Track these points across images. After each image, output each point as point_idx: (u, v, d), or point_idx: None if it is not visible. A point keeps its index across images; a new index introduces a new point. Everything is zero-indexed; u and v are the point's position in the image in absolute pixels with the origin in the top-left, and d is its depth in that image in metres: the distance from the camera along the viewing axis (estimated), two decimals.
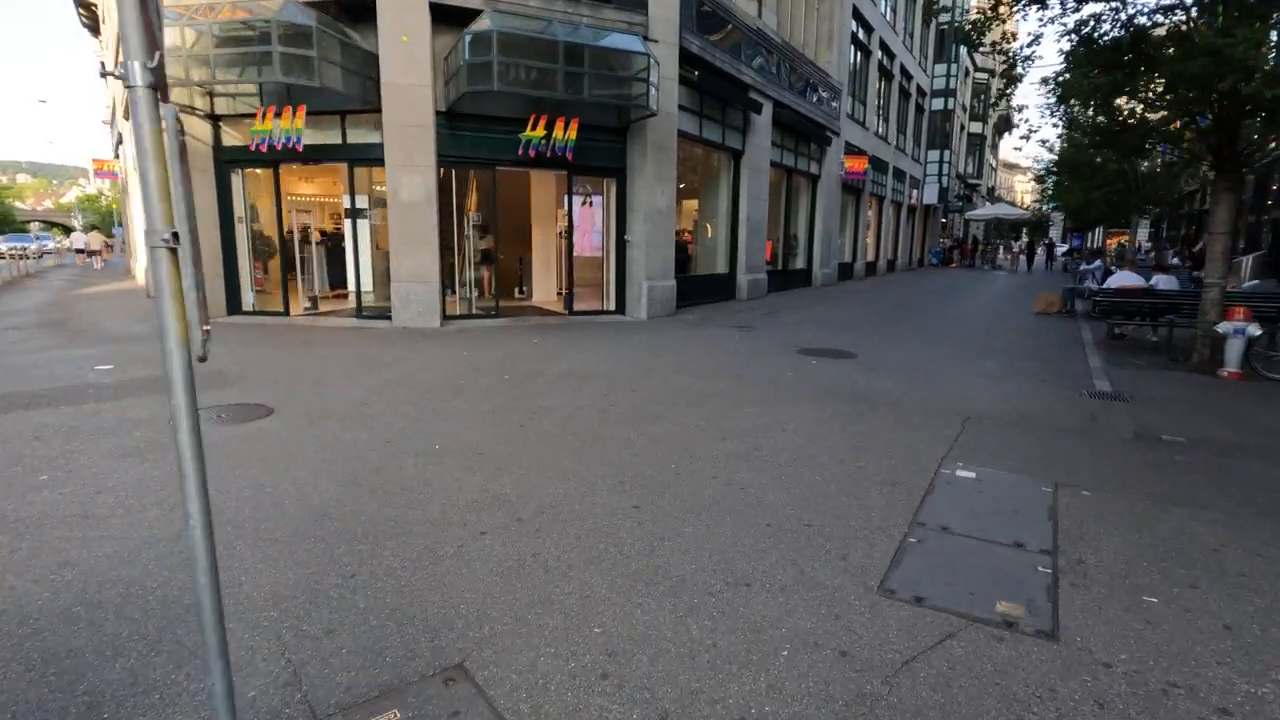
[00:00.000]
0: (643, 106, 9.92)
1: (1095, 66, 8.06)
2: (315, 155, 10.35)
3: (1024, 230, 59.55)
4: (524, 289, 14.79)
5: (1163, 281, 10.30)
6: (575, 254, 12.07)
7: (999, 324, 12.14)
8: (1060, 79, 8.97)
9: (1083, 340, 10.52)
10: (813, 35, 17.34)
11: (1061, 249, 45.40)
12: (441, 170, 10.27)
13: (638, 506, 3.54)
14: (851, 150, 20.26)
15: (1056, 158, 30.22)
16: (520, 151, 10.05)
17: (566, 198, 11.27)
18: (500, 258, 14.40)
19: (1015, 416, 5.62)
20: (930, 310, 14.00)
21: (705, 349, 8.60)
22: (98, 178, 29.55)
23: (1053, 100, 9.94)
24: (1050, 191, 35.44)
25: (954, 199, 37.46)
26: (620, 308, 11.71)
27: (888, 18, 23.21)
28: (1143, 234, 55.72)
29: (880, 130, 24.29)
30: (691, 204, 14.81)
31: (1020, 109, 10.96)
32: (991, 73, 47.41)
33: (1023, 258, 36.71)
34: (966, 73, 41.88)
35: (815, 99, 17.33)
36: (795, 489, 3.81)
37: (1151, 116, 8.97)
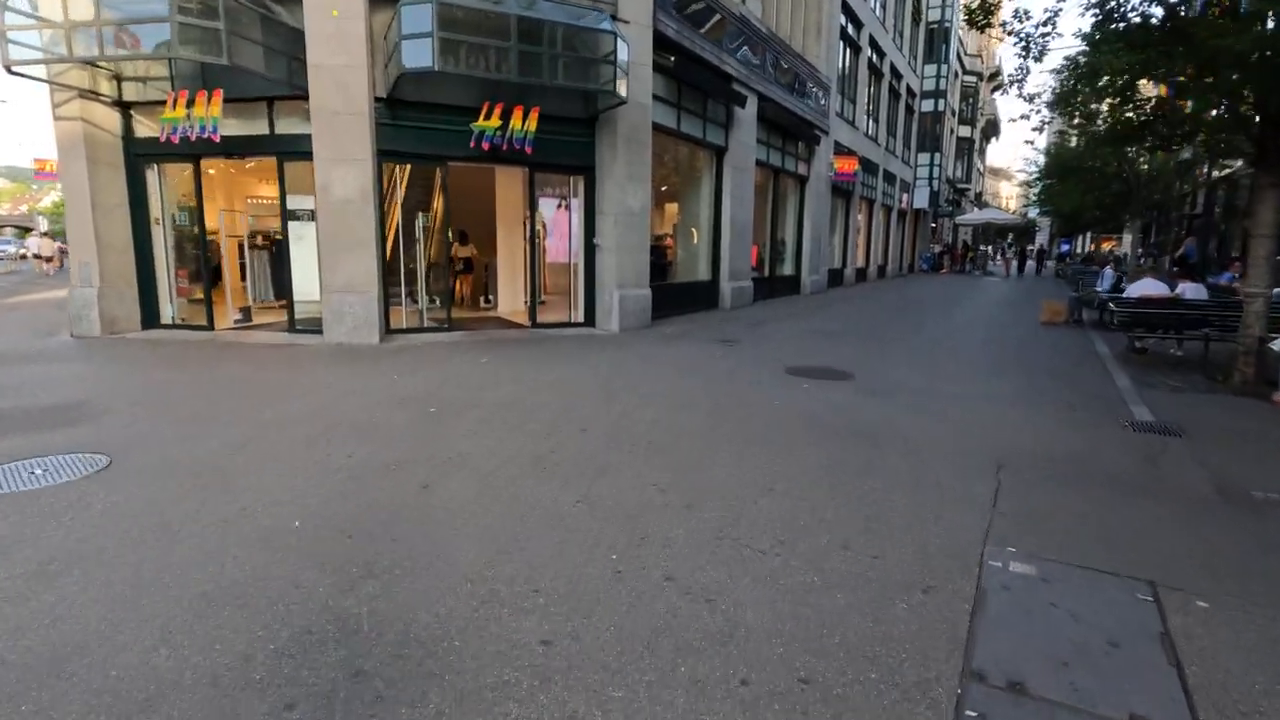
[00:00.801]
0: (610, 93, 8.77)
1: (1123, 45, 7.01)
2: (240, 148, 9.10)
3: (1010, 235, 59.14)
4: (490, 298, 13.61)
5: (1190, 290, 9.28)
6: (550, 260, 10.92)
7: (1005, 335, 11.08)
8: (1078, 63, 7.92)
9: (1099, 354, 9.47)
10: (800, 27, 16.31)
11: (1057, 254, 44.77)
12: (387, 165, 9.08)
13: (549, 642, 2.35)
14: (841, 150, 19.25)
15: (1046, 159, 29.51)
16: (472, 144, 8.86)
17: (529, 197, 10.09)
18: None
19: (1056, 461, 4.50)
20: (929, 320, 12.94)
21: (680, 369, 7.43)
22: (37, 179, 27.97)
23: (1068, 86, 8.88)
24: (1039, 195, 34.74)
25: (944, 203, 36.67)
26: (590, 319, 10.53)
27: (877, 13, 22.29)
28: (1127, 240, 55.31)
29: (870, 131, 23.33)
30: (672, 206, 13.68)
31: (1031, 98, 9.94)
32: (980, 76, 46.92)
33: (1014, 263, 36.08)
34: (955, 75, 41.23)
35: (803, 95, 16.29)
36: (784, 604, 2.63)
37: (1183, 104, 7.93)
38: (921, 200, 31.00)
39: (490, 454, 4.36)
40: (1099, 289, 12.95)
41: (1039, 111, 10.43)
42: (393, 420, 5.11)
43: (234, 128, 8.93)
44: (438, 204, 10.27)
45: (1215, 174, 20.82)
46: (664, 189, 14.69)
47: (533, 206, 10.11)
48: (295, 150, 8.80)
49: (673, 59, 10.35)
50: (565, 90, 8.76)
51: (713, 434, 4.93)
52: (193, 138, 8.30)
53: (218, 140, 8.31)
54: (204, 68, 8.25)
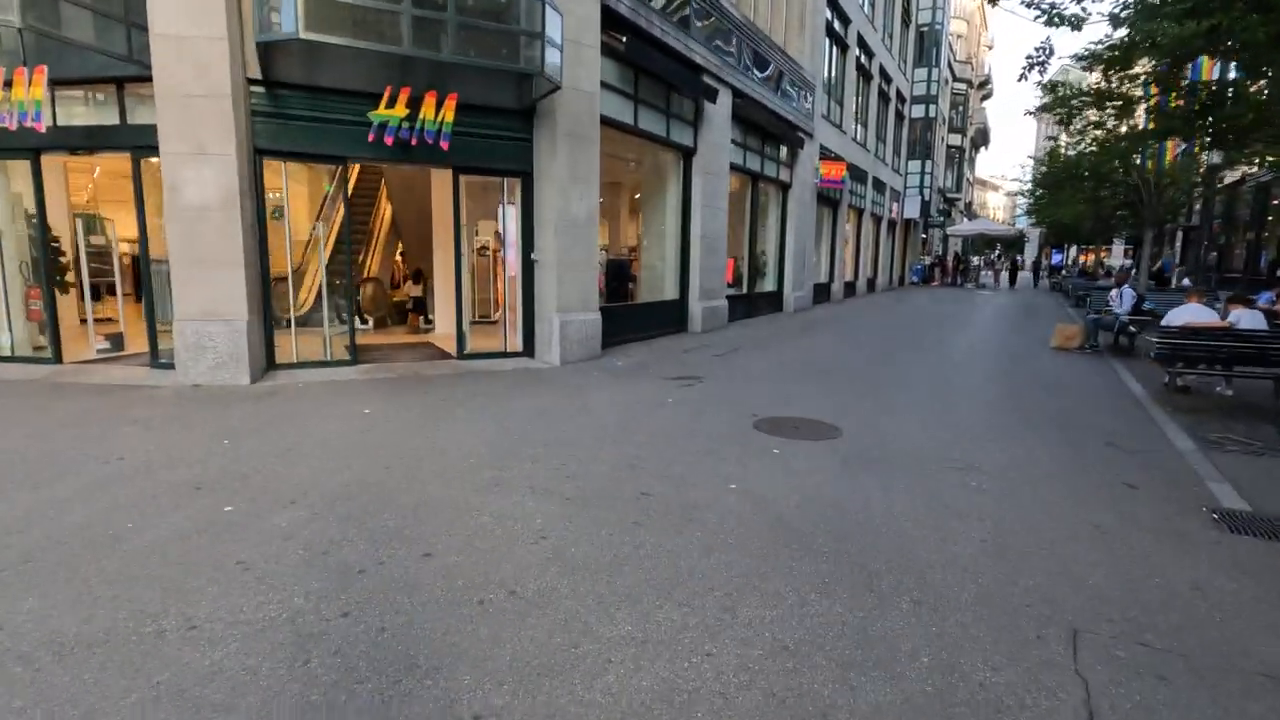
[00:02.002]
0: (539, 75, 7.14)
1: (1188, 8, 5.46)
2: (85, 141, 7.36)
3: (998, 246, 58.17)
4: (430, 319, 11.94)
5: (1246, 319, 7.72)
6: (508, 275, 9.23)
7: (1018, 368, 9.48)
8: (1123, 37, 6.39)
9: (1134, 395, 7.90)
10: (781, 17, 14.79)
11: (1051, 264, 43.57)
12: (269, 164, 7.40)
13: None
14: (827, 155, 17.75)
15: (1043, 168, 28.26)
16: (371, 138, 7.19)
17: (454, 204, 8.41)
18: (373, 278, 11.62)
19: (1153, 614, 2.86)
20: (928, 344, 11.35)
21: (616, 426, 5.75)
22: None
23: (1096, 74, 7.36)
24: (1033, 205, 33.55)
25: (935, 213, 35.39)
26: (529, 348, 8.85)
27: (865, 10, 20.89)
28: (1117, 250, 54.43)
29: (859, 136, 21.89)
30: (632, 216, 12.05)
31: (1054, 86, 8.41)
32: (970, 83, 45.88)
33: (1004, 275, 34.93)
34: (945, 82, 40.09)
35: (785, 93, 14.75)
36: None
37: (1252, 87, 6.40)
38: (912, 210, 29.64)
39: (235, 620, 2.65)
40: (1117, 310, 11.42)
41: (1057, 100, 8.99)
42: (141, 537, 3.38)
43: (79, 116, 7.24)
44: (339, 211, 8.58)
45: (1241, 176, 19.49)
46: (620, 196, 13.04)
47: (457, 215, 8.44)
48: (153, 144, 7.07)
49: (624, 39, 8.73)
50: (485, 72, 7.12)
51: (619, 563, 3.23)
52: (12, 126, 6.57)
53: (42, 130, 6.58)
54: (36, 41, 6.54)
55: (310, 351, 8.20)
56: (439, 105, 7.37)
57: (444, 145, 7.45)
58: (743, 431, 5.67)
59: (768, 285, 16.03)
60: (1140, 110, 11.47)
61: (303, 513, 3.69)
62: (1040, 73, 7.32)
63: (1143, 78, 6.86)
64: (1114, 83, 7.77)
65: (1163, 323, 8.08)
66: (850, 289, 22.80)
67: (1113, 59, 6.74)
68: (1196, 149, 14.25)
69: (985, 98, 61.33)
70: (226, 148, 6.64)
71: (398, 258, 15.51)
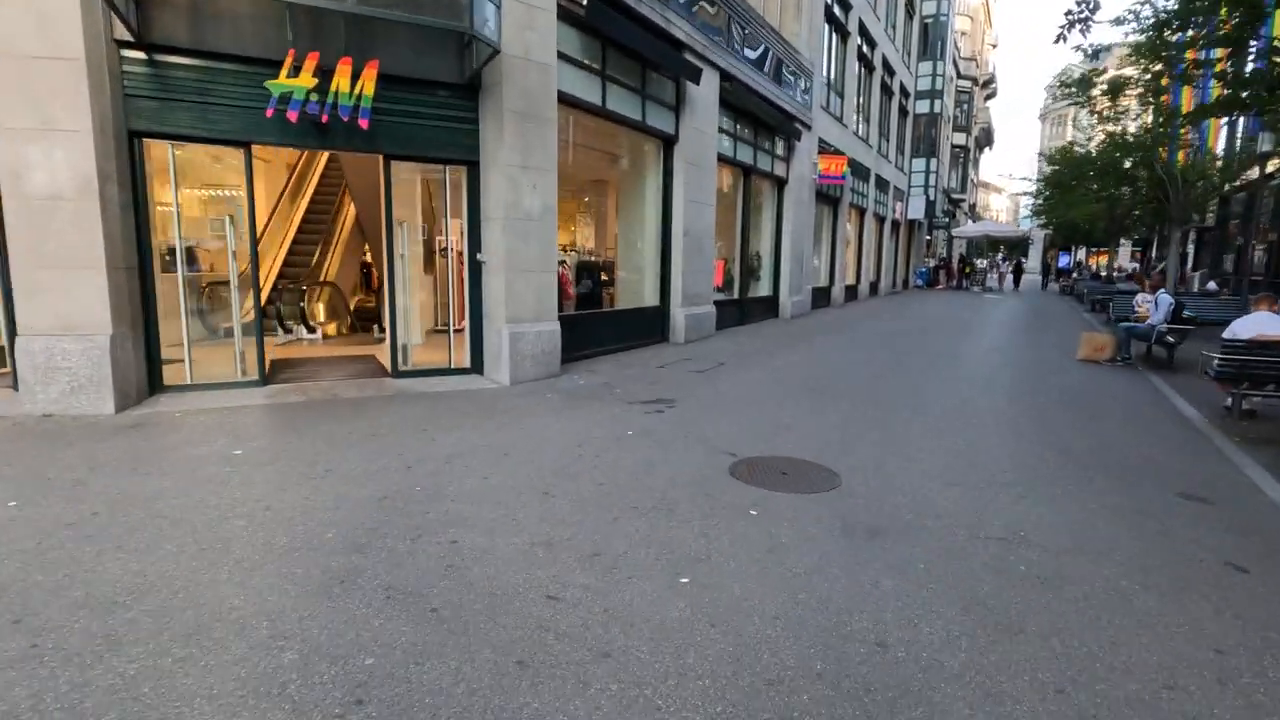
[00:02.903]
0: (468, 29, 5.88)
1: None
2: None
3: (1001, 248, 56.95)
4: (383, 329, 10.70)
5: None
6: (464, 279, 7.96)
7: (1046, 385, 8.19)
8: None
9: (1189, 420, 6.62)
10: None
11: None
12: (151, 146, 6.15)
13: None
14: (827, 149, 16.48)
15: (1054, 165, 26.98)
16: (270, 112, 5.93)
17: (385, 196, 7.16)
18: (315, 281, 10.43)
19: None
20: (939, 355, 10.06)
21: (550, 472, 4.48)
22: None
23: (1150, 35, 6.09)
24: (1042, 204, 32.27)
25: (940, 213, 34.11)
26: (477, 364, 7.58)
27: None
28: (1124, 253, 53.07)
29: (860, 130, 20.63)
30: (604, 212, 10.79)
31: (1096, 54, 7.15)
32: (975, 81, 44.65)
33: (1009, 277, 33.77)
34: (950, 79, 38.88)
35: (780, 79, 13.50)
36: None
37: None
38: (917, 210, 28.36)
39: None
40: (1153, 319, 10.13)
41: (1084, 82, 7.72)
42: None
43: None
44: (244, 204, 7.31)
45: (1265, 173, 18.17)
46: (598, 192, 11.78)
47: (389, 208, 7.19)
48: None
49: (585, 3, 7.46)
50: (409, 34, 5.88)
51: None
52: None
53: None
54: None
55: (216, 370, 6.93)
56: (355, 75, 6.12)
57: (363, 123, 6.20)
58: (714, 479, 4.39)
59: (762, 289, 14.75)
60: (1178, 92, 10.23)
61: (13, 648, 2.41)
62: (1083, 32, 6.06)
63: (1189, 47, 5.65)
64: (1146, 62, 6.56)
65: (1226, 334, 6.79)
66: (852, 293, 21.53)
67: (1187, 9, 5.50)
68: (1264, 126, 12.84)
69: (989, 97, 60.12)
70: (80, 122, 5.37)
71: (368, 257, 14.30)
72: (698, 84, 9.83)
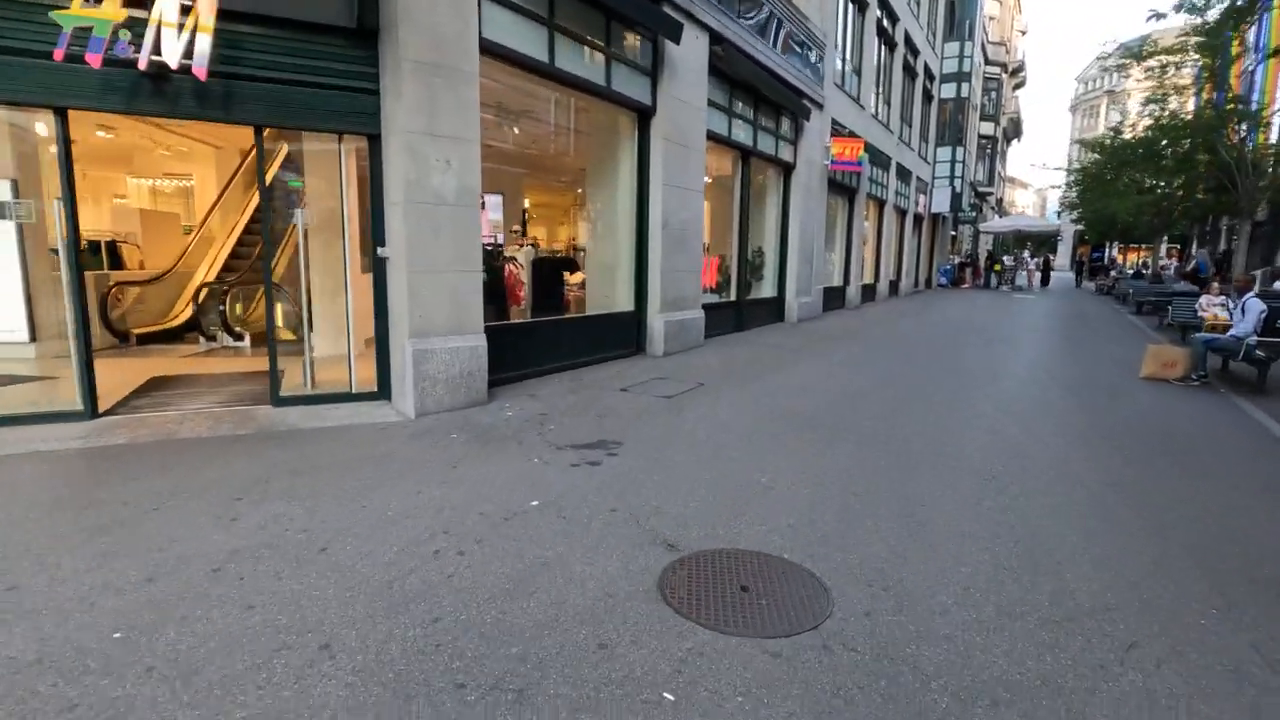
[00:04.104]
0: None
1: None
2: None
3: (1028, 245, 54.42)
4: (239, 336, 9.36)
5: None
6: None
7: (1111, 416, 6.39)
8: None
9: None
10: None
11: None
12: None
13: None
14: (840, 132, 14.66)
15: (1096, 156, 24.81)
16: (59, 54, 4.37)
17: (258, 175, 5.58)
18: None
19: None
20: (971, 372, 8.27)
21: (370, 591, 2.86)
22: None
23: None
24: (1079, 196, 30.04)
25: (967, 207, 31.96)
26: (384, 388, 5.98)
27: None
28: (1162, 250, 50.62)
29: (880, 114, 18.74)
30: (565, 198, 9.15)
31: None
32: (1004, 67, 42.25)
33: (1037, 275, 31.70)
34: (978, 66, 36.61)
35: (785, 48, 11.73)
36: None
37: None
38: (941, 203, 26.33)
39: None
40: (1238, 328, 8.26)
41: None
42: None
43: None
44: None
45: None
46: (549, 170, 10.12)
47: (264, 192, 5.61)
48: None
49: None
50: None
51: None
52: None
53: None
54: None
55: (36, 397, 5.42)
56: (187, 4, 4.54)
57: (199, 73, 4.62)
58: (630, 604, 2.74)
59: (764, 290, 13.00)
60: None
61: None
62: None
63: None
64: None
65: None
66: (869, 293, 19.66)
67: None
68: None
69: (1018, 86, 57.49)
70: None
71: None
72: (678, 43, 8.11)
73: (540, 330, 7.34)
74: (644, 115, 8.38)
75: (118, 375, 6.90)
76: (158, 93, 4.87)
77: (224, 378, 7.07)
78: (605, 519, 3.62)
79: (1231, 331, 8.40)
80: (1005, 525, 3.70)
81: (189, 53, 4.58)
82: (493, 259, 7.67)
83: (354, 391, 6.05)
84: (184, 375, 7.16)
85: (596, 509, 3.75)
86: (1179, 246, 35.00)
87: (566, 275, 9.38)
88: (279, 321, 5.92)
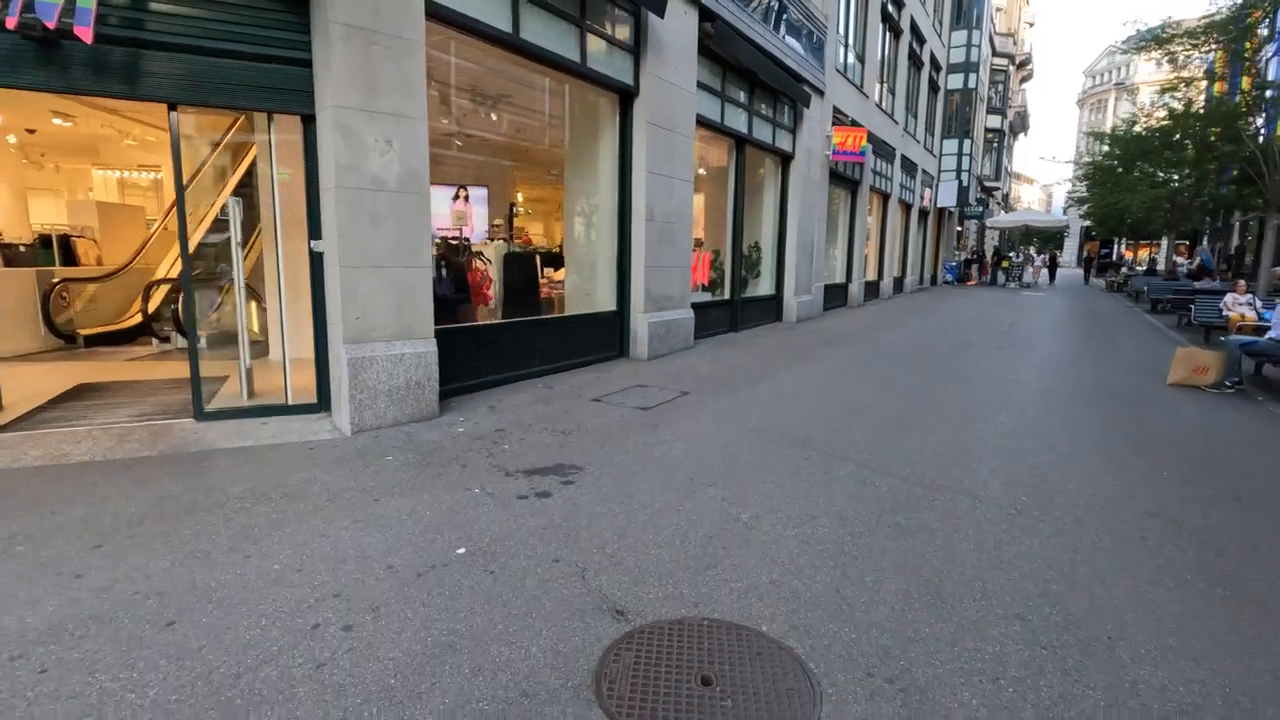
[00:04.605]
0: None
1: None
2: None
3: (1034, 241, 53.58)
4: (164, 338, 8.79)
5: None
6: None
7: (1145, 430, 5.67)
8: None
9: None
10: None
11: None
12: None
13: None
14: (842, 121, 13.91)
15: (1108, 148, 24.00)
16: None
17: (173, 159, 4.90)
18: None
19: None
20: (983, 381, 7.55)
21: (202, 690, 2.16)
22: None
23: None
24: (1089, 189, 29.23)
25: (973, 202, 31.14)
26: (324, 399, 5.30)
27: None
28: (1165, 246, 49.85)
29: (885, 104, 17.97)
30: (542, 190, 8.47)
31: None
32: (1012, 59, 41.35)
33: (1044, 271, 30.99)
34: (985, 57, 35.73)
35: (784, 29, 10.99)
36: None
37: None
38: (948, 197, 25.53)
39: None
40: (1275, 330, 7.53)
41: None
42: None
43: None
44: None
45: None
46: (522, 156, 9.47)
47: (179, 181, 4.93)
48: None
49: None
50: None
51: None
52: None
53: None
54: None
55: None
56: None
57: (83, 34, 3.93)
58: (552, 708, 2.05)
59: (761, 288, 12.29)
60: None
61: None
62: None
63: None
64: None
65: None
66: (873, 290, 18.92)
67: None
68: None
69: (1025, 79, 56.51)
70: None
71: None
72: (662, 16, 7.39)
73: (509, 333, 6.65)
74: (626, 97, 7.66)
75: (40, 382, 6.26)
76: (44, 62, 4.19)
77: (159, 385, 6.39)
78: (545, 573, 2.93)
79: (1270, 334, 7.68)
80: (1038, 582, 3.00)
81: (70, 9, 3.89)
82: (456, 254, 6.97)
83: (290, 404, 5.37)
84: (115, 382, 6.49)
85: (537, 559, 3.06)
86: (1187, 243, 34.16)
87: (550, 273, 8.69)
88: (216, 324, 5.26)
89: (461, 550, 3.12)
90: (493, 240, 8.81)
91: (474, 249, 7.43)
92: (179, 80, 4.53)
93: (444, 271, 6.66)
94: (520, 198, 14.78)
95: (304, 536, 3.22)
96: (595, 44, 7.00)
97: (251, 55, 4.65)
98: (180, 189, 4.95)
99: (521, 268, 7.74)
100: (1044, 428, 5.69)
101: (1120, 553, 3.33)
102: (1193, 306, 11.73)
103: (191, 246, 5.16)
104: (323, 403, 5.32)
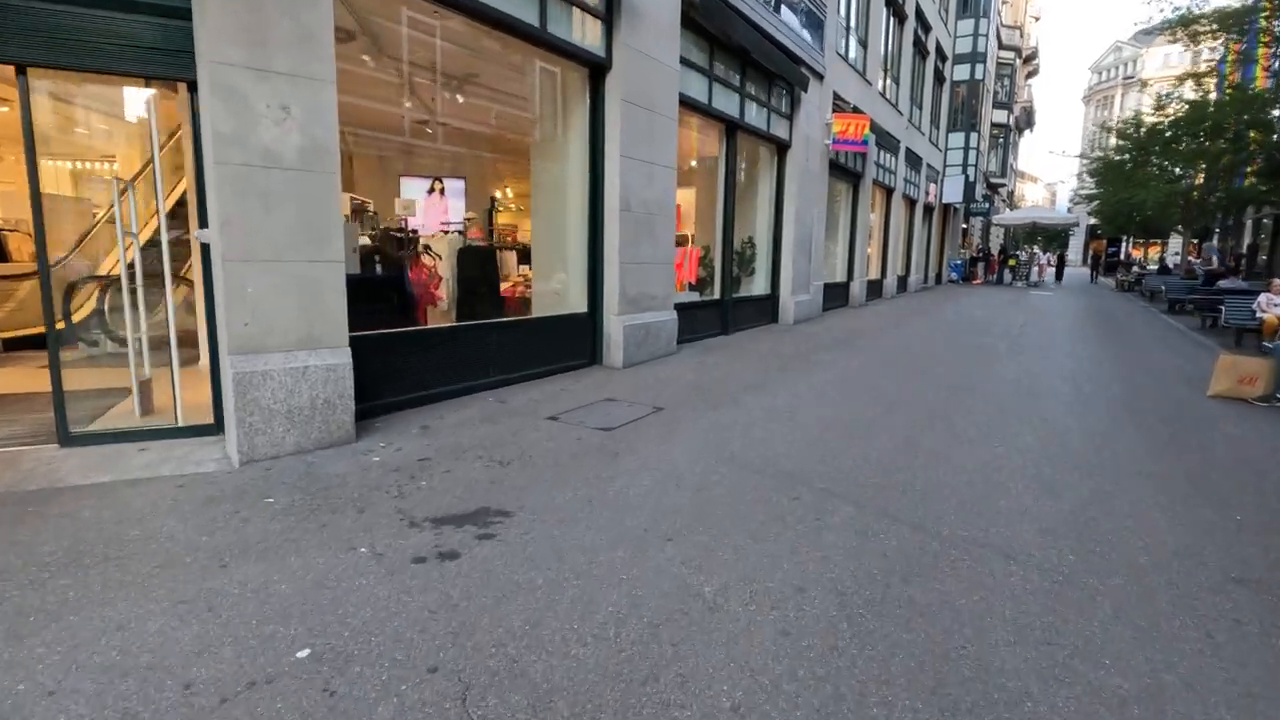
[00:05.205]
0: None
1: None
2: None
3: (1039, 239, 52.63)
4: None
5: None
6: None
7: (1197, 454, 4.77)
8: None
9: None
10: None
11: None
12: None
13: None
14: (844, 108, 13.01)
15: (1121, 142, 23.07)
16: None
17: (25, 135, 4.02)
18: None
19: None
20: (1002, 394, 6.65)
21: None
22: None
23: None
24: (1098, 183, 28.32)
25: (979, 198, 30.19)
26: (220, 419, 4.43)
27: None
28: (1176, 244, 48.83)
29: (889, 93, 17.06)
30: (502, 171, 7.64)
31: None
32: (1018, 52, 40.37)
33: (1050, 270, 30.19)
34: (992, 50, 34.74)
35: (779, 5, 10.09)
36: None
37: None
38: (953, 193, 24.60)
39: None
40: None
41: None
42: None
43: None
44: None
45: None
46: (527, 156, 8.70)
47: (31, 161, 4.06)
48: None
49: None
50: None
51: None
52: None
53: None
54: None
55: None
56: None
57: None
58: None
59: (755, 287, 11.40)
60: None
61: None
62: None
63: None
64: None
65: None
66: (875, 289, 18.02)
67: None
68: None
69: (1031, 75, 55.53)
70: None
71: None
72: None
73: (459, 339, 5.77)
74: (597, 70, 6.77)
75: None
76: None
77: (42, 400, 5.52)
78: (410, 694, 2.05)
79: None
80: (1111, 702, 2.11)
81: None
82: (399, 247, 6.09)
83: (180, 425, 4.49)
84: (6, 395, 5.62)
85: (407, 666, 2.18)
86: (1196, 241, 33.22)
87: (525, 270, 7.82)
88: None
89: (304, 653, 2.24)
90: (446, 233, 7.94)
91: (423, 242, 6.55)
92: (29, 38, 3.67)
93: (379, 268, 5.78)
94: (511, 193, 13.91)
95: (92, 630, 2.34)
96: (558, 7, 6.11)
97: (120, 6, 3.77)
98: (34, 168, 4.07)
99: (479, 264, 6.85)
100: (1077, 451, 4.80)
101: (1212, 645, 2.45)
102: (1223, 308, 10.81)
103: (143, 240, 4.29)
104: (220, 424, 4.44)
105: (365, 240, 6.22)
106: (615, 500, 3.63)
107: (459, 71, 7.99)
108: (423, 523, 3.27)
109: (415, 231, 6.56)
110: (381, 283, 5.75)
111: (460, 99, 8.65)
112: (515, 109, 7.99)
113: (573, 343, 6.96)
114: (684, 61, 7.93)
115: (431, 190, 11.86)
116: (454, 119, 9.76)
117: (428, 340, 5.48)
